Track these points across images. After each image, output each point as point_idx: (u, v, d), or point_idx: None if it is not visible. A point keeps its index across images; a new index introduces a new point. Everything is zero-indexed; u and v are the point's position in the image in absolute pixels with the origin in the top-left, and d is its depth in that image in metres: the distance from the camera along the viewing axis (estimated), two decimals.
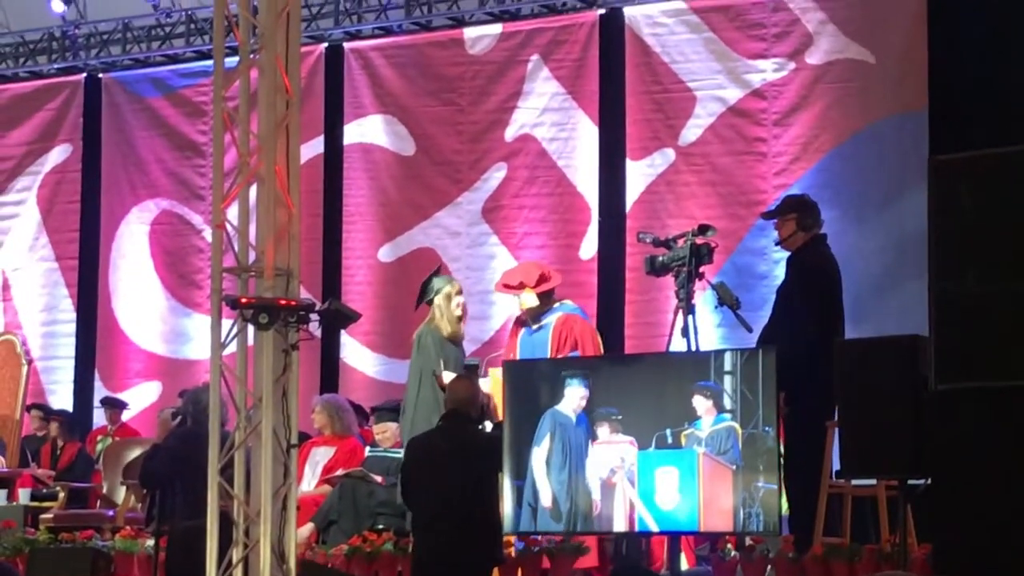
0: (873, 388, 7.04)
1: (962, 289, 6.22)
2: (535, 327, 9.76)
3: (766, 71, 12.47)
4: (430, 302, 9.91)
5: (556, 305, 9.81)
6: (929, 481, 6.76)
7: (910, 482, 7.17)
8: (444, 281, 9.99)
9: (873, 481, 7.85)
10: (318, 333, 8.18)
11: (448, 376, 9.35)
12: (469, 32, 13.75)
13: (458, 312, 9.84)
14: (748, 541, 8.22)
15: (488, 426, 9.17)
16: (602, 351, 10.00)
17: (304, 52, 13.42)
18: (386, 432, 10.68)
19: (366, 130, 14.06)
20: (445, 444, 8.28)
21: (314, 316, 7.19)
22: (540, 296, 9.73)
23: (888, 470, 7.24)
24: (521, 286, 9.76)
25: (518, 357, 9.63)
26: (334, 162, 14.14)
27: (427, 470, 8.31)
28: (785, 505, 8.24)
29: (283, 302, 7.05)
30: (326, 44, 14.35)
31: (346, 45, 14.27)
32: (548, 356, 9.43)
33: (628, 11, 13.07)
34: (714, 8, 12.74)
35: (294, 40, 7.38)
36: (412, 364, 9.85)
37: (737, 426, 7.67)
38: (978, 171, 6.32)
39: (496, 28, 13.65)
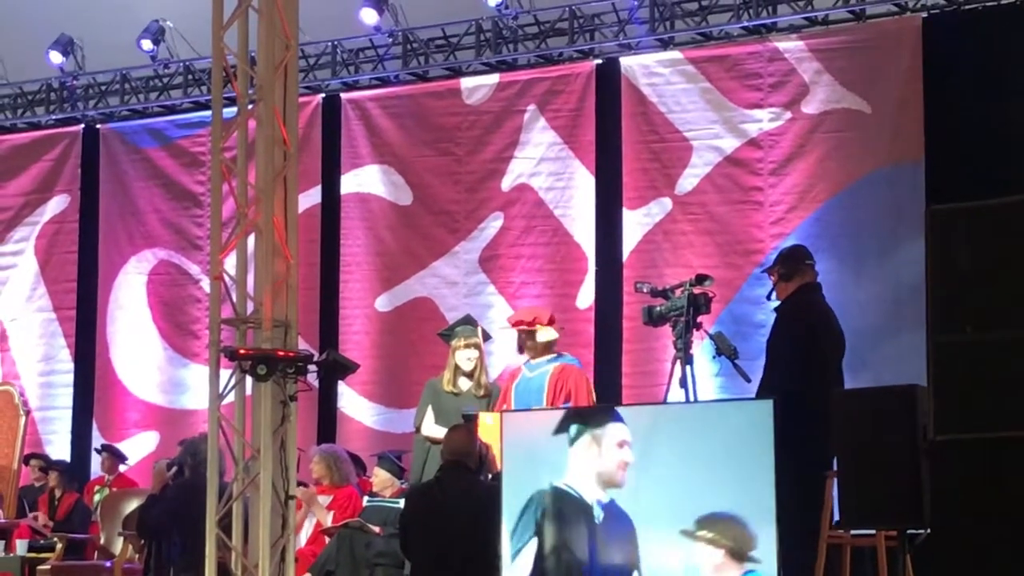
0: (872, 438, 7.04)
1: (960, 339, 6.22)
2: (531, 374, 9.77)
3: (762, 121, 12.50)
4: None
5: (556, 355, 9.85)
6: (929, 531, 6.76)
7: (910, 532, 7.16)
8: (465, 331, 10.03)
9: (872, 531, 7.84)
10: (316, 383, 8.20)
11: (431, 429, 9.45)
12: (466, 82, 13.80)
13: (464, 365, 9.86)
14: None
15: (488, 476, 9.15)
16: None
17: (301, 102, 13.43)
18: (379, 478, 10.68)
19: (363, 180, 14.09)
20: (444, 495, 8.27)
21: (312, 367, 7.21)
22: (550, 343, 9.80)
23: (887, 520, 7.23)
24: (535, 322, 9.82)
25: (512, 402, 9.64)
26: (331, 212, 14.16)
27: (426, 521, 8.29)
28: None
29: (281, 353, 7.07)
30: (323, 94, 14.39)
31: (343, 95, 14.31)
32: (543, 404, 9.45)
33: (624, 61, 13.12)
34: (710, 58, 12.79)
35: (292, 92, 7.44)
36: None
37: None
38: (976, 221, 6.34)
39: (493, 78, 13.70)
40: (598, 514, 7.89)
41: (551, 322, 9.91)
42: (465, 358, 9.91)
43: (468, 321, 10.39)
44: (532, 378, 9.76)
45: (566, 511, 7.97)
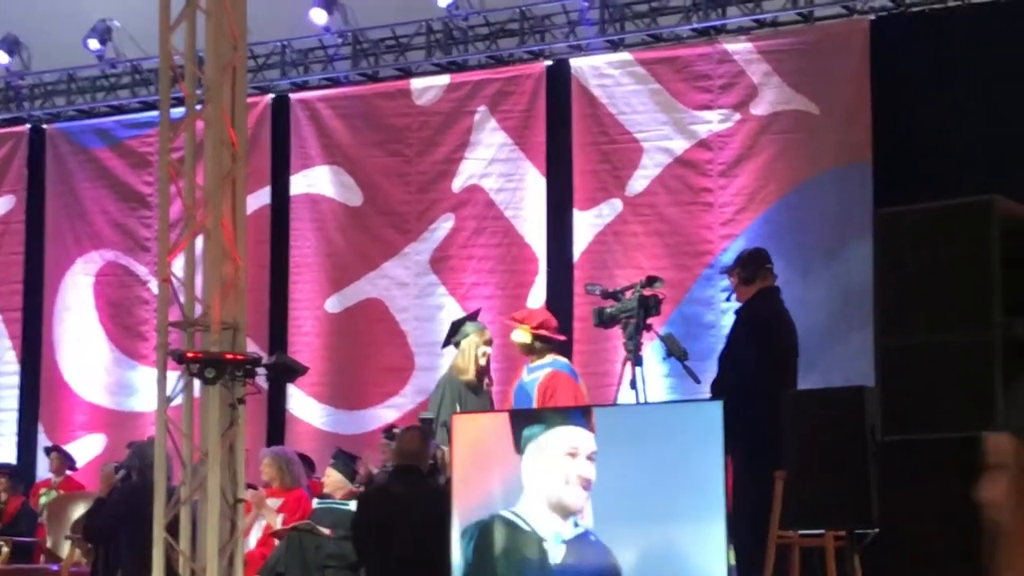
0: (821, 439, 7.07)
1: (908, 342, 6.24)
2: (528, 377, 9.81)
3: (712, 122, 12.54)
4: (456, 343, 9.90)
5: (550, 360, 9.84)
6: (877, 531, 6.79)
7: (858, 532, 7.19)
8: (475, 328, 9.98)
9: (821, 532, 7.87)
10: (265, 386, 8.16)
11: None
12: (416, 83, 13.78)
13: (482, 361, 9.81)
14: None
15: (441, 480, 9.14)
16: None
17: (250, 103, 13.38)
18: (330, 479, 10.64)
19: (313, 181, 14.05)
20: (397, 499, 8.25)
21: (261, 370, 7.17)
22: (537, 343, 9.76)
23: (836, 521, 7.27)
24: (516, 320, 9.84)
25: (513, 403, 9.65)
26: (281, 213, 14.11)
27: (379, 525, 8.27)
28: (732, 557, 8.24)
29: (230, 356, 7.03)
30: (272, 95, 14.34)
31: (293, 96, 14.27)
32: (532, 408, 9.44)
33: (575, 62, 13.13)
34: (660, 60, 12.82)
35: (240, 93, 7.40)
36: (438, 416, 9.84)
37: None
38: (924, 223, 6.35)
39: (443, 79, 13.68)
40: (554, 553, 7.49)
41: (541, 326, 9.86)
42: (482, 353, 9.83)
43: (475, 318, 10.35)
44: (528, 382, 9.78)
45: (513, 547, 7.53)
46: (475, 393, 9.78)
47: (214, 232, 7.11)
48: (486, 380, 9.92)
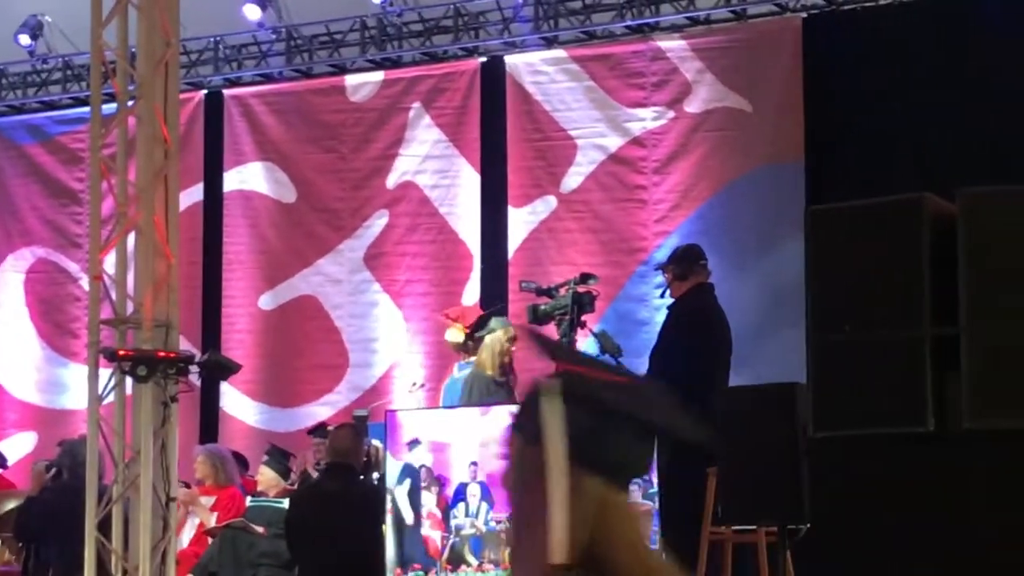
0: (753, 435, 7.11)
1: (839, 338, 6.28)
2: (457, 375, 9.79)
3: (646, 119, 12.57)
4: (480, 338, 9.83)
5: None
6: (808, 527, 6.83)
7: (790, 528, 7.23)
8: (501, 323, 9.88)
9: (754, 528, 7.91)
10: (198, 383, 8.11)
11: None
12: (350, 79, 13.74)
13: (506, 358, 9.74)
14: None
15: (374, 477, 9.14)
16: None
17: (183, 99, 13.30)
18: (264, 476, 10.60)
19: (247, 177, 13.99)
20: (330, 496, 8.24)
21: (193, 368, 7.14)
22: (469, 342, 9.76)
23: (767, 516, 7.31)
24: (447, 318, 9.82)
25: (441, 401, 9.63)
26: (214, 209, 14.04)
27: (313, 523, 8.25)
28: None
29: (162, 354, 7.00)
30: (206, 91, 14.26)
31: (226, 92, 14.19)
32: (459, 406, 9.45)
33: (509, 59, 13.13)
34: (594, 57, 12.84)
35: (172, 89, 7.36)
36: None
37: None
38: (854, 221, 6.40)
39: (378, 75, 13.65)
40: None
41: (473, 327, 9.85)
42: (505, 350, 9.71)
43: (502, 313, 10.28)
44: (458, 379, 9.76)
45: None
46: (500, 387, 9.69)
47: (146, 229, 7.08)
48: (511, 376, 9.81)
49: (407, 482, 8.34)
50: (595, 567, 2.46)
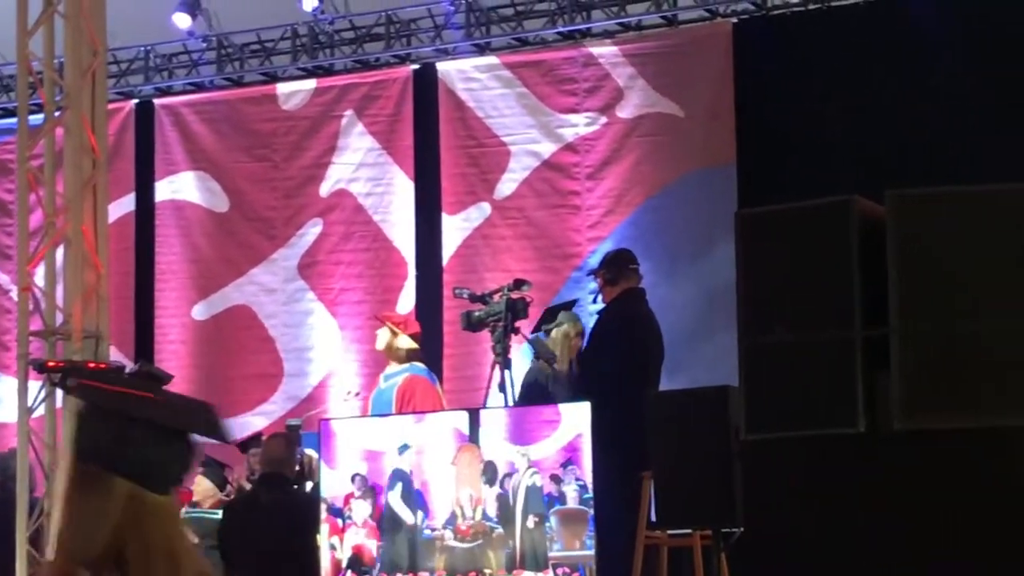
0: (685, 439, 7.14)
1: (770, 340, 6.30)
2: (384, 384, 9.76)
3: (578, 125, 12.59)
4: (548, 332, 9.70)
5: (407, 365, 9.80)
6: (742, 530, 6.85)
7: (724, 531, 7.26)
8: (569, 317, 9.73)
9: (689, 531, 7.93)
10: None
11: None
12: (282, 88, 13.69)
13: (572, 354, 9.63)
14: None
15: (308, 486, 9.10)
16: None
17: (113, 109, 13.25)
18: (200, 487, 10.54)
19: (178, 187, 13.90)
20: (264, 506, 8.20)
21: None
22: (404, 352, 9.75)
23: (702, 520, 7.33)
24: (391, 323, 9.79)
25: (370, 411, 9.60)
26: (146, 220, 13.94)
27: (247, 533, 8.21)
28: None
29: (92, 365, 6.94)
30: (136, 100, 14.16)
31: (157, 101, 14.10)
32: (392, 413, 9.42)
33: (441, 66, 13.12)
34: (526, 63, 12.85)
35: (100, 99, 7.31)
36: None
37: None
38: (784, 224, 6.42)
39: (310, 84, 13.61)
40: None
41: (413, 337, 9.84)
42: (574, 345, 9.55)
43: (568, 307, 10.13)
44: (385, 388, 9.74)
45: None
46: (565, 381, 9.57)
47: (75, 240, 7.02)
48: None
49: (399, 486, 8.32)
50: (124, 564, 2.70)
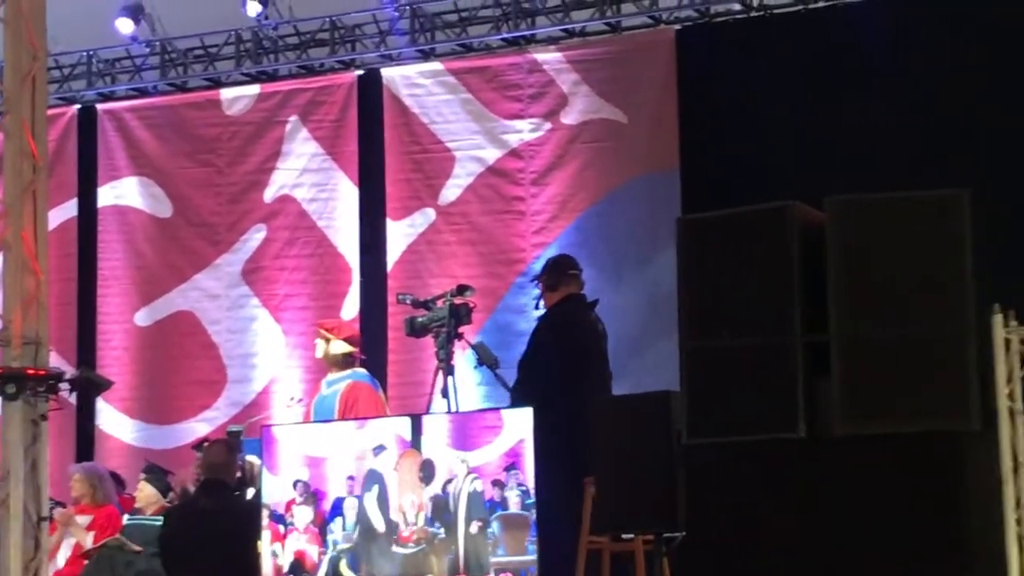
0: (628, 444, 7.14)
1: (711, 345, 6.33)
2: (326, 391, 9.74)
3: (523, 131, 12.61)
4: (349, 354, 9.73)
5: (349, 371, 9.79)
6: (684, 534, 6.86)
7: (666, 536, 7.27)
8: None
9: (631, 536, 7.94)
10: (73, 400, 8.00)
11: None
12: (226, 93, 13.65)
13: None
14: None
15: (250, 493, 9.07)
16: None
17: (56, 114, 13.21)
18: (143, 493, 10.50)
19: (121, 192, 13.84)
20: (204, 513, 8.17)
21: (64, 385, 7.05)
22: (342, 357, 9.73)
23: (644, 524, 7.34)
24: (324, 329, 9.77)
25: (312, 417, 9.59)
26: (88, 225, 13.87)
27: (186, 540, 8.19)
28: None
29: (31, 371, 6.91)
30: (79, 105, 14.10)
31: (99, 106, 14.04)
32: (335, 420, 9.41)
33: (386, 72, 13.11)
34: (471, 69, 12.86)
35: (40, 103, 7.27)
36: None
37: None
38: (725, 229, 6.45)
39: (254, 89, 13.57)
40: None
41: (350, 339, 9.83)
42: None
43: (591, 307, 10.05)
44: (327, 395, 9.72)
45: None
46: None
47: (14, 245, 6.98)
48: None
49: (375, 488, 8.30)
50: None
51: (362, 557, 8.21)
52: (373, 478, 8.32)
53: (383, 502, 8.27)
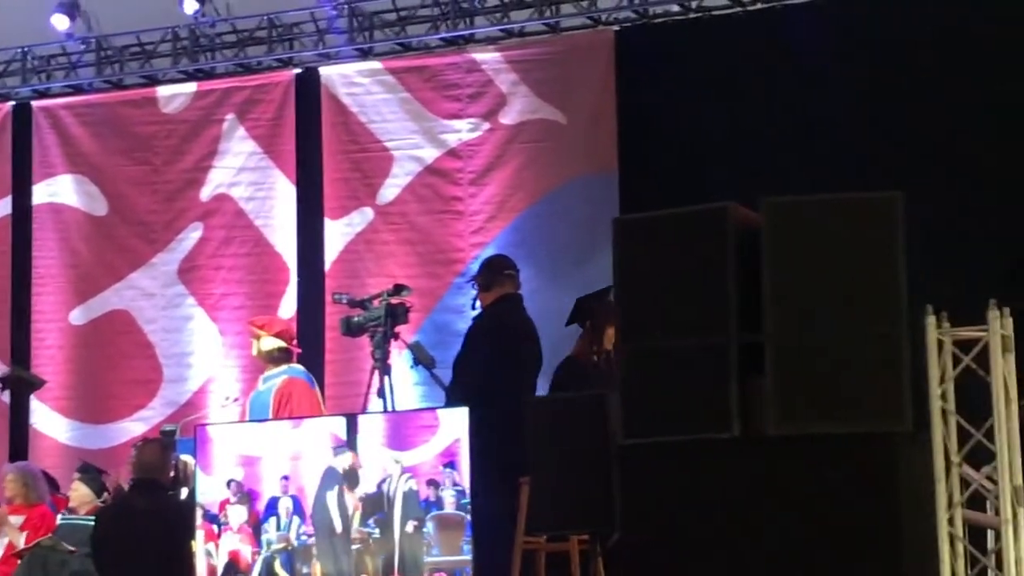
0: (563, 444, 7.15)
1: (647, 346, 6.35)
2: (262, 387, 9.72)
3: (461, 131, 12.60)
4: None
5: (285, 367, 9.77)
6: (619, 534, 6.88)
7: (601, 536, 7.29)
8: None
9: (566, 536, 7.95)
10: (6, 399, 7.92)
11: None
12: (162, 91, 13.56)
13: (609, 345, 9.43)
14: None
15: (184, 492, 9.03)
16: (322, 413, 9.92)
17: None
18: (77, 493, 10.44)
19: (56, 190, 13.73)
20: (137, 513, 8.13)
21: None
22: (276, 351, 9.70)
23: (579, 524, 7.36)
24: (253, 326, 9.75)
25: (248, 414, 9.56)
26: (22, 223, 13.74)
27: (119, 540, 8.15)
28: None
29: None
30: (13, 103, 13.97)
31: (34, 104, 13.91)
32: (269, 418, 9.37)
33: (324, 71, 13.06)
34: (409, 69, 12.83)
35: None
36: None
37: None
38: (661, 230, 6.48)
39: (190, 87, 13.49)
40: None
41: (279, 334, 9.80)
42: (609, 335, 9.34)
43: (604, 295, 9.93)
44: (263, 391, 9.71)
45: None
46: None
47: None
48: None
49: (336, 488, 8.26)
50: None
51: (316, 556, 8.19)
52: (333, 477, 8.29)
53: (342, 501, 8.25)
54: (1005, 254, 10.54)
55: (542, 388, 9.50)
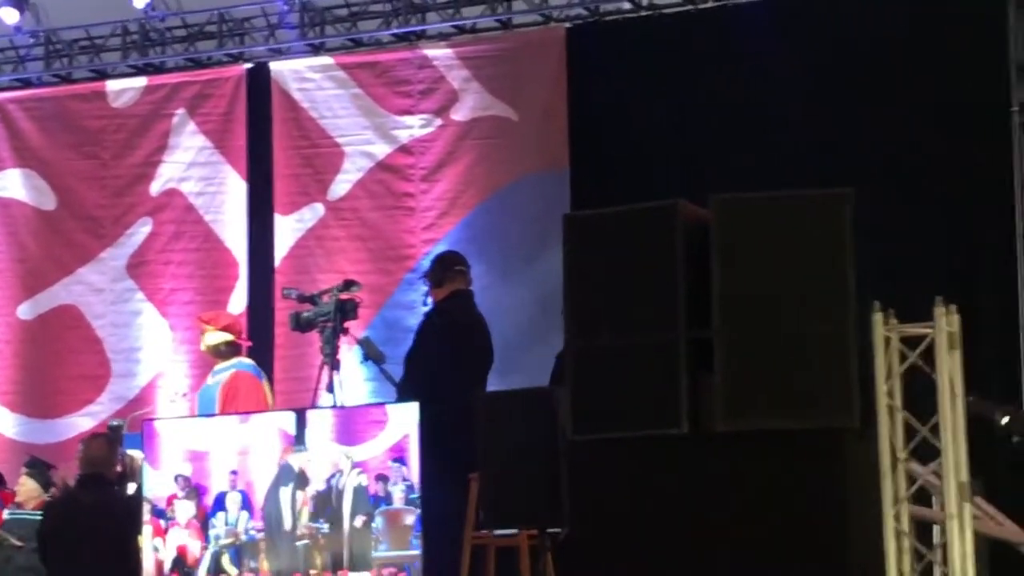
0: (512, 440, 7.17)
1: (596, 343, 6.36)
2: (211, 380, 9.71)
3: (413, 127, 12.58)
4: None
5: (234, 361, 9.75)
6: (568, 530, 6.90)
7: (550, 531, 7.30)
8: None
9: (516, 531, 7.96)
10: None
11: None
12: (112, 85, 13.48)
13: None
14: None
15: (131, 487, 8.99)
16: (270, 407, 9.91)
17: None
18: (24, 487, 10.38)
19: (4, 184, 13.63)
20: (83, 508, 8.10)
21: None
22: (223, 346, 9.67)
23: (528, 520, 7.38)
24: (200, 321, 9.72)
25: (197, 408, 9.55)
26: None
27: (67, 535, 8.11)
28: None
29: None
30: None
31: None
32: (216, 412, 9.35)
33: (274, 66, 13.02)
34: (360, 64, 12.81)
35: None
36: None
37: None
38: (610, 227, 6.49)
39: (140, 81, 13.43)
40: None
41: (226, 328, 9.79)
42: None
43: None
44: (211, 385, 9.69)
45: None
46: None
47: None
48: None
49: (291, 485, 8.23)
50: None
51: (264, 551, 8.18)
52: (289, 473, 8.27)
53: (295, 498, 8.24)
54: (953, 252, 10.62)
55: (493, 384, 9.53)
